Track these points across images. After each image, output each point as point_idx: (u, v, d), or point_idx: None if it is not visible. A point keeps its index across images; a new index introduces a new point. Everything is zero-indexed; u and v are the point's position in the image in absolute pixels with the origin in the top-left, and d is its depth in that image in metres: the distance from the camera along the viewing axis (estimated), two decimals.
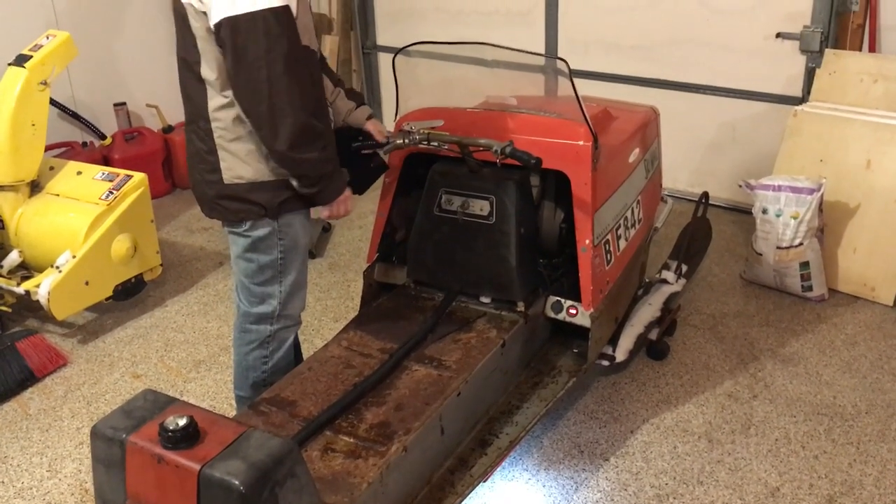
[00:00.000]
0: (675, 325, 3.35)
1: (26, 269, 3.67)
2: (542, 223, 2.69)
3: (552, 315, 2.64)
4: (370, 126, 2.52)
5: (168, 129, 5.25)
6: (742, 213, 4.41)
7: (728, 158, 4.64)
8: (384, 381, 2.28)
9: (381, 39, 5.94)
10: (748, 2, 4.27)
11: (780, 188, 3.55)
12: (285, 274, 2.35)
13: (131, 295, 3.79)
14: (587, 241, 2.51)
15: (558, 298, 2.63)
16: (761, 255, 3.68)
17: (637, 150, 2.88)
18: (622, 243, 2.77)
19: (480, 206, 2.57)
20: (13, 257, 3.61)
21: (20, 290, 3.44)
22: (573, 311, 2.59)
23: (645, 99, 3.53)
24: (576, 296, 2.59)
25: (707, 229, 3.72)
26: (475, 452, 2.31)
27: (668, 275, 3.31)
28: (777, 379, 3.13)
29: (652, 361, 3.21)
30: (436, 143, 2.52)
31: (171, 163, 5.27)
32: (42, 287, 3.37)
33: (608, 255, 2.65)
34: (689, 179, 4.80)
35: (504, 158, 2.37)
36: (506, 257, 2.54)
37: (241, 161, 2.17)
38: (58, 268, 3.43)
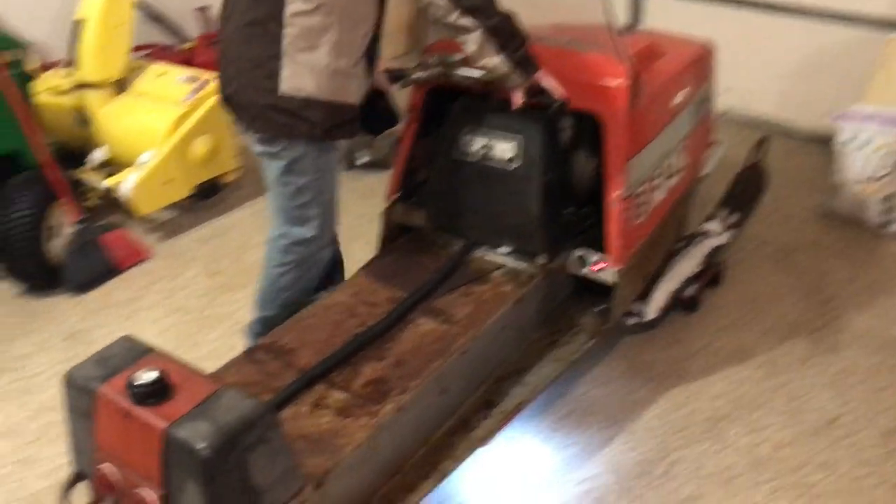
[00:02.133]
0: (719, 278, 3.14)
1: (111, 166, 3.78)
2: (572, 169, 2.49)
3: (576, 270, 2.47)
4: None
5: None
6: (824, 144, 4.12)
7: (815, 85, 4.34)
8: (387, 334, 2.16)
9: None
10: None
11: (867, 118, 3.38)
12: (323, 194, 2.32)
13: (209, 196, 3.88)
14: (617, 193, 2.31)
15: (583, 252, 2.45)
16: (842, 186, 3.53)
17: (684, 91, 2.63)
18: (659, 195, 2.56)
19: (503, 149, 2.38)
20: (99, 154, 3.72)
21: (105, 185, 3.58)
22: (598, 267, 2.41)
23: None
24: (603, 249, 2.39)
25: (763, 177, 3.44)
26: (479, 414, 2.19)
27: (714, 225, 3.07)
28: (846, 312, 3.03)
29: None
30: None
31: None
32: (125, 184, 3.49)
33: (641, 208, 2.46)
34: (773, 106, 4.48)
35: (527, 99, 2.16)
36: (528, 206, 2.37)
37: (305, 73, 2.12)
38: (140, 166, 3.54)
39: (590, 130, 2.46)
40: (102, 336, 3.01)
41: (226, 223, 3.81)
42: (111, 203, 3.72)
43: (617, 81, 2.27)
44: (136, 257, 3.52)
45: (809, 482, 2.33)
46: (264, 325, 2.48)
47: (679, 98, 2.62)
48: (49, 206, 3.27)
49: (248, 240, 3.65)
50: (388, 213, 2.72)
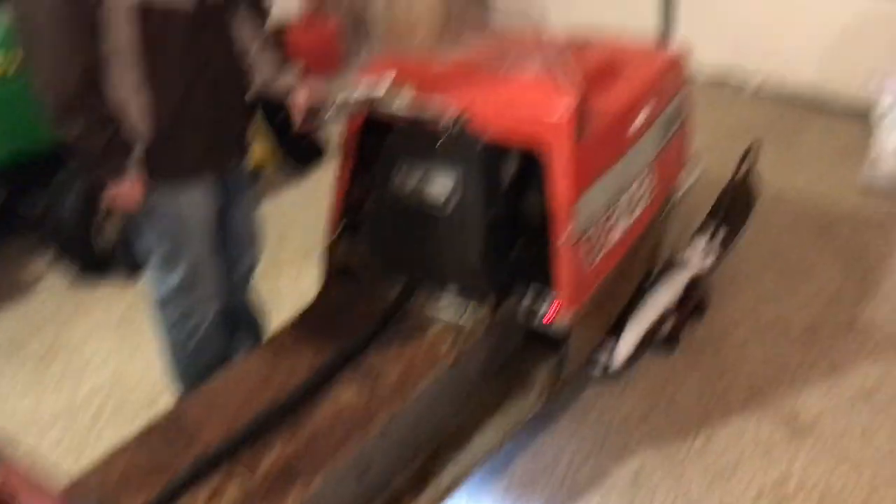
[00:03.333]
0: (704, 307, 2.85)
1: None
2: (521, 204, 2.22)
3: (526, 323, 2.20)
4: (296, 99, 2.09)
5: None
6: (860, 117, 4.12)
7: (853, 57, 4.29)
8: (301, 408, 1.92)
9: None
10: None
11: None
12: (186, 245, 2.09)
13: None
14: (564, 238, 2.03)
15: (533, 300, 2.18)
16: (881, 158, 3.54)
17: (648, 110, 2.33)
18: (618, 231, 2.27)
19: (438, 187, 2.12)
20: None
21: None
22: (548, 319, 2.14)
23: None
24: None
25: (751, 192, 3.12)
26: (410, 493, 1.93)
27: (693, 254, 2.77)
28: (886, 283, 3.06)
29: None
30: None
31: None
32: None
33: (596, 249, 2.16)
34: (810, 79, 4.43)
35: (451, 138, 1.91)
36: (469, 248, 2.13)
37: None
38: None
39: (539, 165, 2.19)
40: None
41: None
42: None
43: (556, 115, 1.98)
44: None
45: (847, 448, 2.35)
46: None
47: (641, 119, 2.32)
48: None
49: None
50: (328, 253, 2.47)
